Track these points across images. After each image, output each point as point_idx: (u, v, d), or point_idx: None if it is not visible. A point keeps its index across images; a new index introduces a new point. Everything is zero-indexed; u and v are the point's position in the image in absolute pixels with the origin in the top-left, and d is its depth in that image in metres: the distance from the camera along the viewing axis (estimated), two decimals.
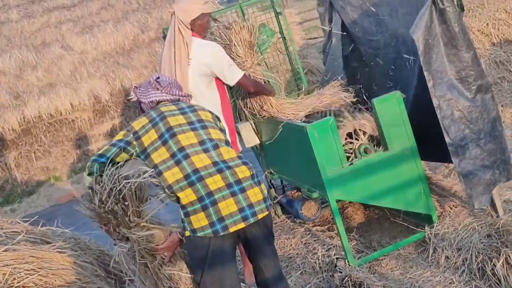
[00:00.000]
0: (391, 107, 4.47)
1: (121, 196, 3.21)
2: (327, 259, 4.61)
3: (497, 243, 4.05)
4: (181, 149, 3.28)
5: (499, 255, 3.94)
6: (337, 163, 4.42)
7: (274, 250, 3.56)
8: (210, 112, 3.60)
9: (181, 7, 4.38)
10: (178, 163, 3.26)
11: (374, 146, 4.52)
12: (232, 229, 3.24)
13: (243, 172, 3.31)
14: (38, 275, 3.52)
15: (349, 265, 4.45)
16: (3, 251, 3.58)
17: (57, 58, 11.72)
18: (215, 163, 3.28)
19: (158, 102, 3.55)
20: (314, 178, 4.52)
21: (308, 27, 18.19)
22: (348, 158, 4.47)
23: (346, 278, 4.18)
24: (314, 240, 4.94)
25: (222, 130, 3.56)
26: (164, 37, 7.44)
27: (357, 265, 4.46)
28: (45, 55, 11.73)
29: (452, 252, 4.27)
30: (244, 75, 4.50)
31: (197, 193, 3.22)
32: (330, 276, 4.40)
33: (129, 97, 3.96)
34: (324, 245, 4.84)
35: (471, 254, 4.10)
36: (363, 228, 5.26)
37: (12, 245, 3.69)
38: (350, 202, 5.54)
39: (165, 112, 3.42)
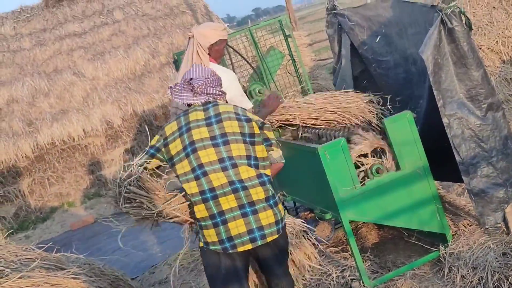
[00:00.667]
0: (402, 126, 4.47)
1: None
2: (341, 281, 4.58)
3: None
4: (200, 166, 3.36)
5: None
6: (349, 183, 4.42)
7: (285, 270, 3.63)
8: (237, 114, 3.50)
9: (201, 32, 4.53)
10: (197, 178, 3.35)
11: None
12: (240, 249, 3.32)
13: (257, 194, 3.35)
14: None
15: (364, 286, 4.43)
16: (18, 278, 3.59)
17: (69, 84, 11.83)
18: (231, 183, 3.33)
19: (190, 104, 3.59)
20: (327, 199, 4.52)
21: (318, 49, 18.29)
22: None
23: None
24: (329, 262, 4.92)
25: (250, 136, 3.46)
26: (175, 62, 7.52)
27: (372, 286, 4.44)
28: (57, 82, 11.84)
29: (468, 271, 4.23)
30: (252, 108, 4.60)
31: (209, 211, 3.32)
32: None
33: (166, 95, 4.05)
34: (339, 266, 4.81)
35: (487, 273, 4.07)
36: (378, 248, 5.23)
37: (27, 272, 3.70)
38: (363, 223, 5.53)
39: (191, 123, 3.45)
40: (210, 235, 3.34)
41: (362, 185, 4.44)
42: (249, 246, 3.33)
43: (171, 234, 7.64)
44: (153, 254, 7.04)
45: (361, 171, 4.49)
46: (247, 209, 3.32)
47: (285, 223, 3.52)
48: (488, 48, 8.40)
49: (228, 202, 3.31)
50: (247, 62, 6.56)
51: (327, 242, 5.41)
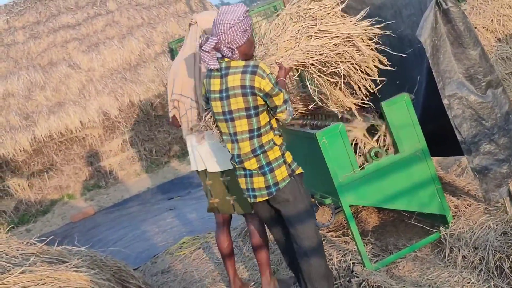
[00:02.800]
0: (400, 109, 4.46)
1: None
2: (343, 265, 4.59)
3: None
4: (223, 134, 3.92)
5: None
6: (349, 168, 4.42)
7: (302, 232, 3.93)
8: (244, 87, 3.65)
9: (205, 18, 4.52)
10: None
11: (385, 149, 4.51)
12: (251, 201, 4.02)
13: (251, 165, 3.82)
14: None
15: (366, 269, 4.43)
16: (19, 272, 3.58)
17: (64, 77, 11.80)
18: (236, 156, 3.87)
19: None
20: (326, 184, 4.52)
21: None
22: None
23: (364, 282, 4.17)
24: (330, 246, 4.92)
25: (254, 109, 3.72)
26: (170, 51, 7.51)
27: (374, 269, 4.44)
28: (53, 75, 11.81)
29: (469, 251, 4.24)
30: None
31: None
32: (348, 281, 4.39)
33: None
34: (340, 250, 4.82)
35: (488, 253, 4.08)
36: (378, 232, 5.24)
37: (28, 266, 3.70)
38: (363, 206, 5.53)
39: (211, 93, 3.84)
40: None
41: (361, 169, 4.44)
42: (249, 199, 3.98)
43: (171, 223, 7.66)
44: (155, 244, 7.05)
45: (359, 156, 4.49)
46: (246, 172, 3.88)
47: (288, 183, 3.83)
48: (483, 27, 8.39)
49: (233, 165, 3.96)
50: None
51: (327, 227, 5.42)
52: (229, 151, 3.93)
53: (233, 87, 3.65)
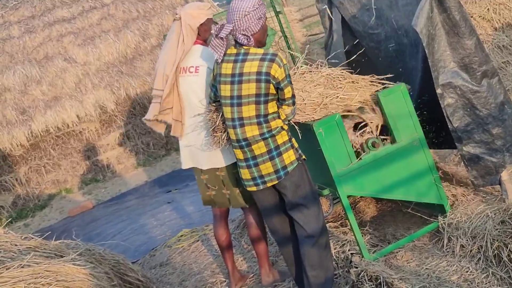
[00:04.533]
0: (397, 99, 4.46)
1: None
2: (342, 255, 4.60)
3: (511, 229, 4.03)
4: (226, 119, 3.95)
5: None
6: (346, 158, 4.42)
7: (307, 218, 3.98)
8: (259, 73, 3.71)
9: (189, 13, 4.48)
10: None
11: (382, 140, 4.50)
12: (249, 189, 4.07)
13: (260, 148, 3.85)
14: None
15: (364, 259, 4.44)
16: (18, 267, 3.58)
17: (60, 71, 11.76)
18: (237, 140, 3.90)
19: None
20: (324, 175, 4.52)
21: (309, 23, 18.18)
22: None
23: (362, 273, 4.17)
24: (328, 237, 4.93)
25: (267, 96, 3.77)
26: None
27: (373, 259, 4.45)
28: (49, 69, 11.76)
29: (467, 240, 4.25)
30: None
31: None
32: (346, 272, 4.39)
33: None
34: (338, 241, 4.83)
35: (486, 241, 4.09)
36: (376, 222, 5.24)
37: (27, 261, 3.69)
38: (361, 197, 5.53)
39: (221, 77, 3.87)
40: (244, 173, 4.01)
41: (358, 159, 4.44)
42: (254, 188, 3.99)
43: (170, 216, 7.66)
44: (153, 237, 7.05)
45: (356, 146, 4.49)
46: (250, 162, 3.89)
47: (296, 166, 3.89)
48: (479, 16, 8.36)
49: (237, 155, 3.98)
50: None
51: (326, 218, 5.42)
52: (231, 138, 3.96)
53: (248, 72, 3.72)
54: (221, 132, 4.12)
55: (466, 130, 4.28)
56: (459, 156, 5.81)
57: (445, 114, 4.26)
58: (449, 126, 4.28)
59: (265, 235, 4.66)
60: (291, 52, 7.03)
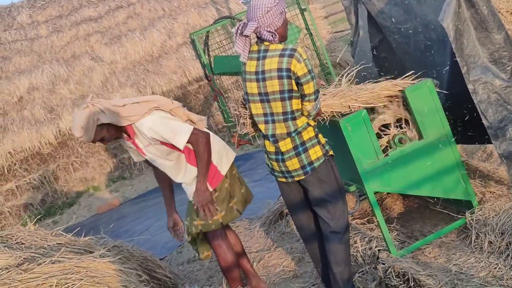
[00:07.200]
0: (424, 95, 4.44)
1: None
2: (368, 252, 4.59)
3: None
4: (254, 115, 3.95)
5: None
6: (373, 155, 4.41)
7: (331, 213, 3.99)
8: (280, 70, 3.69)
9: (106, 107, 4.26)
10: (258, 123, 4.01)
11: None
12: (280, 180, 4.11)
13: (286, 145, 3.88)
14: (85, 284, 3.57)
15: (392, 256, 4.43)
16: (48, 263, 3.64)
17: (87, 70, 11.88)
18: (267, 135, 3.94)
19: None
20: (351, 171, 4.52)
21: (334, 20, 18.15)
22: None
23: (390, 269, 4.16)
24: (355, 233, 4.92)
25: (288, 93, 3.76)
26: (192, 42, 7.51)
27: (400, 256, 4.44)
28: (76, 68, 11.89)
29: (495, 236, 4.22)
30: (193, 133, 4.27)
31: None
32: (373, 268, 4.39)
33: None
34: (365, 237, 4.82)
35: None
36: (403, 218, 5.23)
37: (57, 257, 3.75)
38: (388, 193, 5.52)
39: (246, 74, 3.88)
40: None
41: (385, 155, 4.43)
42: (283, 180, 4.05)
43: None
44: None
45: (383, 142, 4.47)
46: (279, 157, 3.93)
47: (323, 162, 3.90)
48: (507, 11, 8.27)
49: (269, 147, 3.99)
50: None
51: (352, 214, 5.41)
52: (261, 132, 3.98)
53: (269, 69, 3.72)
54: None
55: (500, 127, 4.24)
56: (487, 152, 5.77)
57: (479, 110, 4.22)
58: (484, 123, 4.24)
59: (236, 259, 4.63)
60: (317, 50, 7.01)
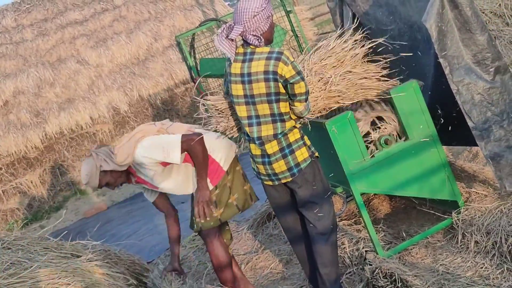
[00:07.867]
0: (409, 96, 4.45)
1: None
2: (356, 253, 4.60)
3: None
4: (239, 118, 3.95)
5: None
6: (359, 156, 4.42)
7: (318, 216, 3.99)
8: (267, 72, 3.69)
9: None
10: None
11: (395, 137, 4.50)
12: (266, 183, 4.12)
13: (272, 147, 3.88)
14: None
15: (379, 256, 4.44)
16: (35, 267, 3.62)
17: (73, 73, 11.85)
18: (253, 138, 3.92)
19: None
20: (337, 173, 4.53)
21: (320, 22, 18.17)
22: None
23: (377, 270, 4.17)
24: (342, 235, 4.93)
25: (275, 96, 3.77)
26: (178, 44, 7.51)
27: (387, 256, 4.45)
28: (62, 71, 11.86)
29: (481, 236, 4.24)
30: (182, 142, 4.25)
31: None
32: (361, 269, 4.40)
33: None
34: (352, 238, 4.83)
35: (501, 237, 4.08)
36: (390, 219, 5.24)
37: (44, 261, 3.73)
38: (375, 194, 5.53)
39: (231, 76, 3.87)
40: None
41: (371, 157, 4.45)
42: (269, 183, 4.06)
43: (184, 216, 7.68)
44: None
45: (369, 144, 4.49)
46: (265, 159, 3.93)
47: (309, 163, 3.91)
48: (491, 12, 8.32)
49: (254, 150, 3.99)
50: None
51: (339, 216, 5.43)
52: (247, 136, 3.98)
53: (256, 72, 3.71)
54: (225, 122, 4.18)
55: (484, 128, 4.26)
56: (473, 153, 5.80)
57: (463, 111, 4.24)
58: (469, 124, 4.26)
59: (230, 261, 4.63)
60: (303, 52, 7.03)
